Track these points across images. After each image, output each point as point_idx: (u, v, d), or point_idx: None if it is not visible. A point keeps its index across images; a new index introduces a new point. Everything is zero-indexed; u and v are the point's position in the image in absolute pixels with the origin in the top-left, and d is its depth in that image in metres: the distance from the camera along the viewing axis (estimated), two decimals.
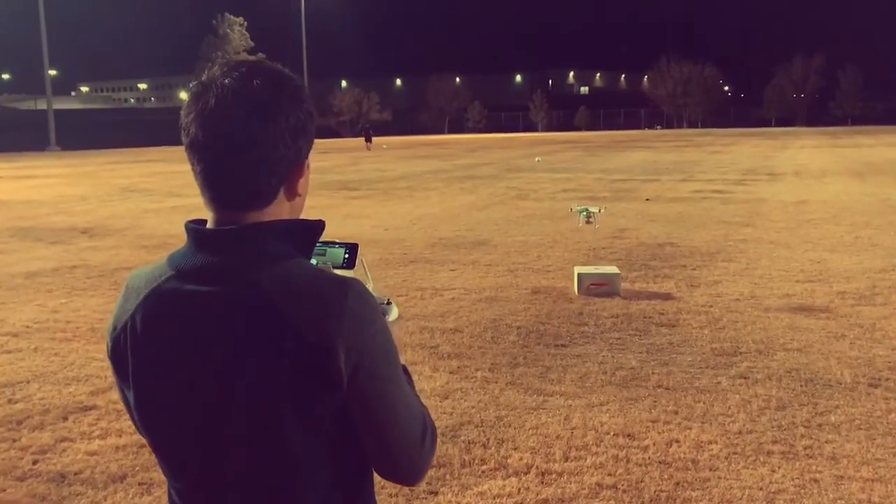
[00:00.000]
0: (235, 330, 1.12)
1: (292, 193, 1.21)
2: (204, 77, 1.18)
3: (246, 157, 1.14)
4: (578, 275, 7.67)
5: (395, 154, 40.82)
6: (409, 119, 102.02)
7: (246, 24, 78.48)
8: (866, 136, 53.21)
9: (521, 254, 9.95)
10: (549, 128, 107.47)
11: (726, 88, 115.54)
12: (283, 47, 76.04)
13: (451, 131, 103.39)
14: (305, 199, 1.26)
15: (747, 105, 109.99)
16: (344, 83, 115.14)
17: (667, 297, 7.48)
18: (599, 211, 11.66)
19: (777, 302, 7.19)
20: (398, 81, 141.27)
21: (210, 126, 1.14)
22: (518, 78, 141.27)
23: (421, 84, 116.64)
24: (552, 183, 20.60)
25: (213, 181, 1.16)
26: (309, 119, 1.20)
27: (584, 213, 11.54)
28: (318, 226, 1.23)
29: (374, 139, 50.45)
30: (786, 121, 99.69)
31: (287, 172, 1.19)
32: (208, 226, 1.19)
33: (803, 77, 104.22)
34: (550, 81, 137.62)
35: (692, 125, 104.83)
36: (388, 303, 1.47)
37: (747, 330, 6.31)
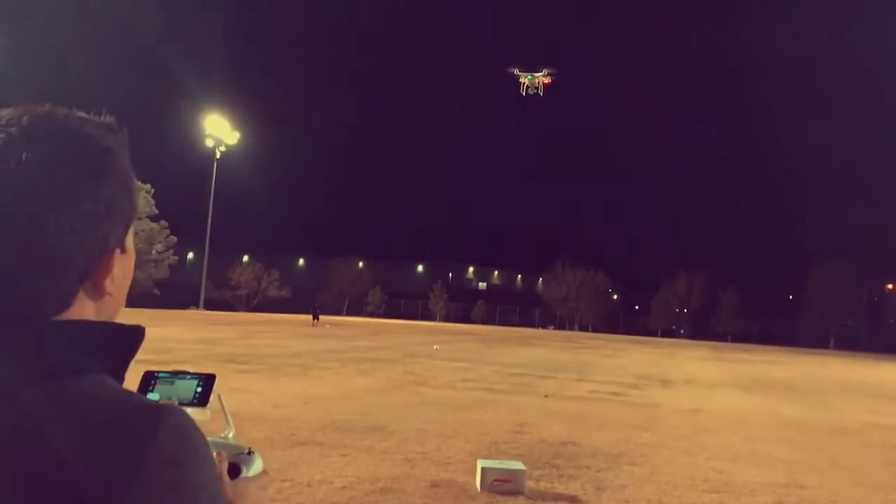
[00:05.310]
0: None
1: (99, 293, 0.84)
2: None
3: (13, 259, 0.77)
4: (482, 468, 7.14)
5: (290, 331, 39.91)
6: (309, 298, 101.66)
7: (153, 191, 78.01)
8: (746, 353, 55.78)
9: (419, 442, 9.35)
10: (447, 318, 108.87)
11: (615, 297, 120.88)
12: (189, 218, 75.77)
13: (349, 313, 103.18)
14: (124, 296, 0.89)
15: (635, 314, 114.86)
16: (246, 258, 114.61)
17: (573, 499, 7.00)
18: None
19: None
20: (301, 261, 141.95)
21: None
22: (420, 268, 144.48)
23: (324, 264, 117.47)
24: (451, 371, 20.23)
25: None
26: (122, 196, 0.85)
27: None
28: (134, 332, 0.85)
29: (322, 317, 54.86)
30: (670, 332, 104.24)
31: (85, 271, 0.82)
32: None
33: (687, 292, 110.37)
34: (451, 274, 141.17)
35: (583, 329, 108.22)
36: (250, 452, 1.20)
37: None
